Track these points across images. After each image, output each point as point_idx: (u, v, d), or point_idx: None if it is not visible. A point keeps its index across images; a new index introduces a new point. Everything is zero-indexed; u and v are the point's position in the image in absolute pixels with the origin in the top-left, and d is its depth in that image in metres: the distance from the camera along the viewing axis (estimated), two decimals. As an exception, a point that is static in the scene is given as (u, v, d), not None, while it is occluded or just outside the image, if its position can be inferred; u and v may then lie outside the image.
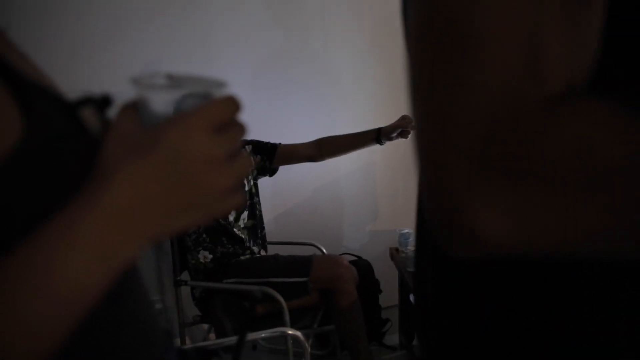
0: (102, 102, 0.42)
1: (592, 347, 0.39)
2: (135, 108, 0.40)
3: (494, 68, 0.29)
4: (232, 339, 1.59)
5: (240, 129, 0.41)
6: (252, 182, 2.16)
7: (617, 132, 0.28)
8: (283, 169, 2.28)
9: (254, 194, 2.16)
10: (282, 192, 2.56)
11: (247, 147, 2.17)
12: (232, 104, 0.40)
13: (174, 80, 0.43)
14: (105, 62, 2.13)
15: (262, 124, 2.39)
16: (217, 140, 0.38)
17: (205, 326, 2.18)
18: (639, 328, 0.38)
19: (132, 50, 2.23)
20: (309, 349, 1.50)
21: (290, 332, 1.45)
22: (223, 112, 0.39)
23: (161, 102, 0.41)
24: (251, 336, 1.60)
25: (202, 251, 1.99)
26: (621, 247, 0.30)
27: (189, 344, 1.92)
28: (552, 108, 0.29)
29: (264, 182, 2.28)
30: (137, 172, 0.36)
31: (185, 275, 2.01)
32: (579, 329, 0.39)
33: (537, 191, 0.28)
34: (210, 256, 1.99)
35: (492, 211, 0.29)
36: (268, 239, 2.24)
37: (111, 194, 0.35)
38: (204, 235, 1.99)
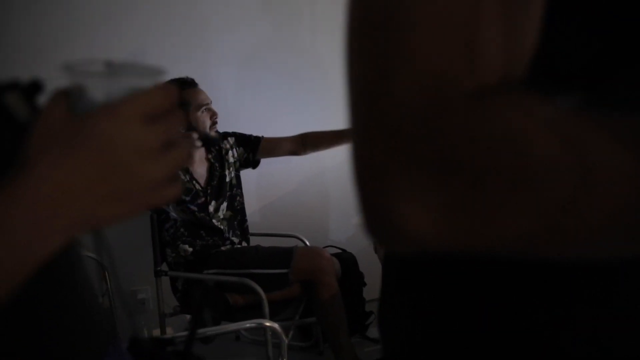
0: (30, 88, 0.41)
1: (538, 346, 0.38)
2: (67, 95, 0.39)
3: (425, 56, 0.27)
4: (210, 329, 1.59)
5: (177, 118, 0.40)
6: (233, 174, 2.15)
7: (549, 128, 0.26)
8: (269, 161, 2.27)
9: (234, 185, 2.15)
10: (267, 184, 2.55)
11: (230, 138, 2.16)
12: (167, 93, 0.39)
13: (112, 68, 0.42)
14: (87, 51, 2.11)
15: (249, 116, 2.38)
16: (149, 130, 0.37)
17: (189, 317, 2.17)
18: (577, 328, 0.37)
19: (116, 41, 2.20)
20: (286, 341, 1.50)
21: (267, 324, 1.45)
22: (156, 101, 0.38)
23: (100, 90, 0.40)
24: (229, 327, 1.60)
25: (181, 245, 1.98)
26: (548, 246, 0.28)
27: (170, 334, 1.92)
28: (484, 100, 0.27)
29: (248, 174, 2.27)
30: (61, 161, 0.35)
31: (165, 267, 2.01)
32: (519, 330, 0.38)
33: (463, 187, 0.27)
34: (190, 249, 1.99)
35: (416, 206, 0.27)
36: (252, 230, 2.23)
37: (31, 185, 0.35)
38: (182, 230, 1.98)
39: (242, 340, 2.42)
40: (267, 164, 2.28)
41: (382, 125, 0.28)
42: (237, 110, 2.34)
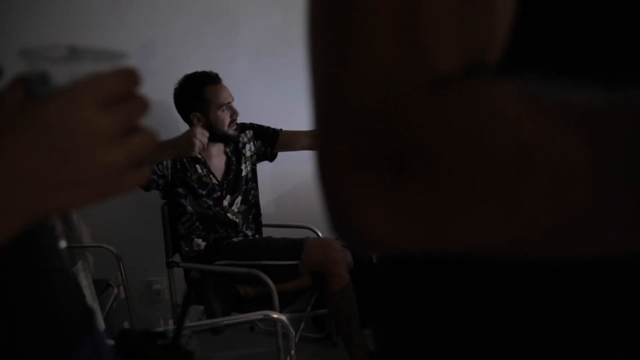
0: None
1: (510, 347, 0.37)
2: (26, 81, 0.38)
3: (373, 48, 0.26)
4: (217, 320, 1.59)
5: (139, 103, 0.39)
6: (249, 168, 2.14)
7: (511, 121, 0.24)
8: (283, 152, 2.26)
9: (249, 179, 2.14)
10: (281, 175, 2.54)
11: (247, 131, 2.15)
12: (127, 77, 0.38)
13: (75, 53, 0.41)
14: (106, 39, 2.12)
15: (261, 107, 2.37)
16: (105, 115, 0.36)
17: (202, 307, 2.19)
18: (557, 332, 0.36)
19: (127, 33, 2.21)
20: (294, 333, 1.49)
21: (275, 315, 1.44)
22: (115, 85, 0.37)
23: (63, 76, 0.39)
24: (237, 319, 1.60)
25: (195, 239, 1.99)
26: (515, 245, 0.27)
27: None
28: (441, 92, 0.25)
29: (263, 164, 2.26)
30: (9, 147, 0.34)
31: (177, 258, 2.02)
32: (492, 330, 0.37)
33: (420, 187, 0.25)
34: (204, 243, 1.99)
35: (375, 208, 0.26)
36: (266, 221, 2.23)
37: None
38: (197, 223, 1.99)
39: (257, 331, 2.44)
40: (282, 154, 2.27)
41: (339, 128, 0.27)
42: (248, 100, 2.32)
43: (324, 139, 0.27)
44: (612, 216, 0.24)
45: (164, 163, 1.90)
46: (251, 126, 2.16)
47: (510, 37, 0.28)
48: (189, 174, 1.96)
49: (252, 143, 2.15)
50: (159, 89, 2.13)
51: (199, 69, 2.02)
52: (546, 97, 0.25)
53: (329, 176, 0.27)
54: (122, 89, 0.37)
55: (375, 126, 0.26)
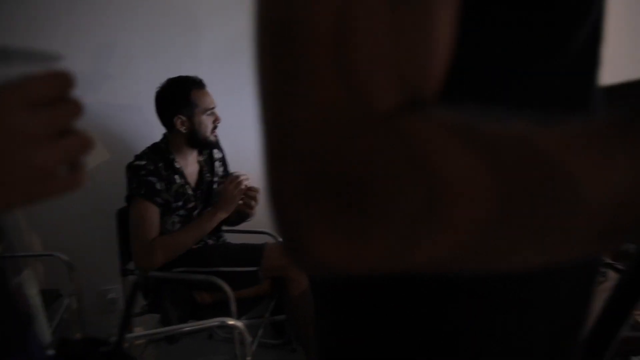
0: None
1: None
2: None
3: (313, 91, 0.27)
4: (171, 328, 1.56)
5: (72, 105, 0.38)
6: (215, 178, 2.12)
7: (453, 149, 0.25)
8: (240, 155, 2.24)
9: (216, 193, 2.12)
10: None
11: (219, 151, 2.12)
12: (59, 79, 0.37)
13: (5, 53, 0.40)
14: (62, 41, 2.06)
15: (223, 110, 2.35)
16: (35, 116, 0.35)
17: (159, 316, 2.15)
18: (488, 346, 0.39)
19: (85, 34, 2.16)
20: (250, 339, 1.48)
21: (231, 322, 1.43)
22: (45, 87, 0.36)
23: None
24: (192, 327, 1.58)
25: None
26: (464, 264, 0.28)
27: (139, 332, 1.89)
28: (376, 129, 0.26)
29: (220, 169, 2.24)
30: None
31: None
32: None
33: (369, 213, 0.26)
34: None
35: (323, 234, 0.27)
36: (226, 226, 2.20)
37: None
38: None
39: (215, 338, 2.40)
40: (241, 157, 2.25)
41: (288, 154, 0.27)
42: (227, 107, 2.30)
43: (275, 167, 0.28)
44: (523, 236, 0.26)
45: (161, 188, 1.86)
46: (222, 150, 2.15)
47: (452, 63, 0.29)
48: (169, 191, 1.92)
49: (219, 163, 2.14)
50: (117, 92, 2.09)
51: (160, 73, 1.99)
52: (475, 129, 0.26)
53: (280, 202, 0.28)
54: (53, 90, 0.37)
55: (320, 164, 0.27)
